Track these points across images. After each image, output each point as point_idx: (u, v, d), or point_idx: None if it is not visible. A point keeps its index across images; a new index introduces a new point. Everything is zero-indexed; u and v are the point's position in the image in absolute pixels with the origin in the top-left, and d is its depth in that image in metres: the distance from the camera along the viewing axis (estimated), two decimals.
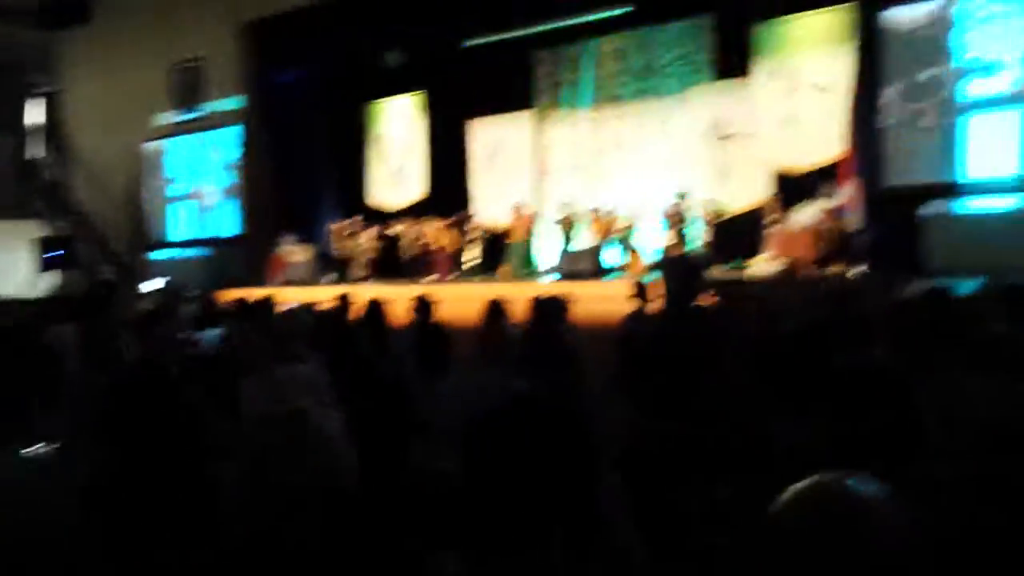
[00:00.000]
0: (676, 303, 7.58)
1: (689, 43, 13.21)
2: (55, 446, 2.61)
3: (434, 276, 13.47)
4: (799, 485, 1.25)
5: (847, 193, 10.46)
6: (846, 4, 11.22)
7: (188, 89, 16.07)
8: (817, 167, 11.61)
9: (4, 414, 2.37)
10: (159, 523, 1.83)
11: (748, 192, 12.30)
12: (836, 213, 10.40)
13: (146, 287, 12.83)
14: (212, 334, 2.84)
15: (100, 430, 1.81)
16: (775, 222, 10.98)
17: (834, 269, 10.06)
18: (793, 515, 1.22)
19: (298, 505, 1.61)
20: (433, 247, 13.85)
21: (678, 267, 8.30)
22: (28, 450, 2.38)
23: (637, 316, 6.48)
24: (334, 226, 14.63)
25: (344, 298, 7.09)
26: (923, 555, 1.20)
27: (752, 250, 11.33)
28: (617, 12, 12.53)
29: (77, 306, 5.86)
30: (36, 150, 18.31)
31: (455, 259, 13.70)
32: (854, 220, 10.23)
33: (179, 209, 16.38)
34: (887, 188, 9.68)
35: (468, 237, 13.76)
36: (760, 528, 1.26)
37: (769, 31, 12.06)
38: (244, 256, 15.12)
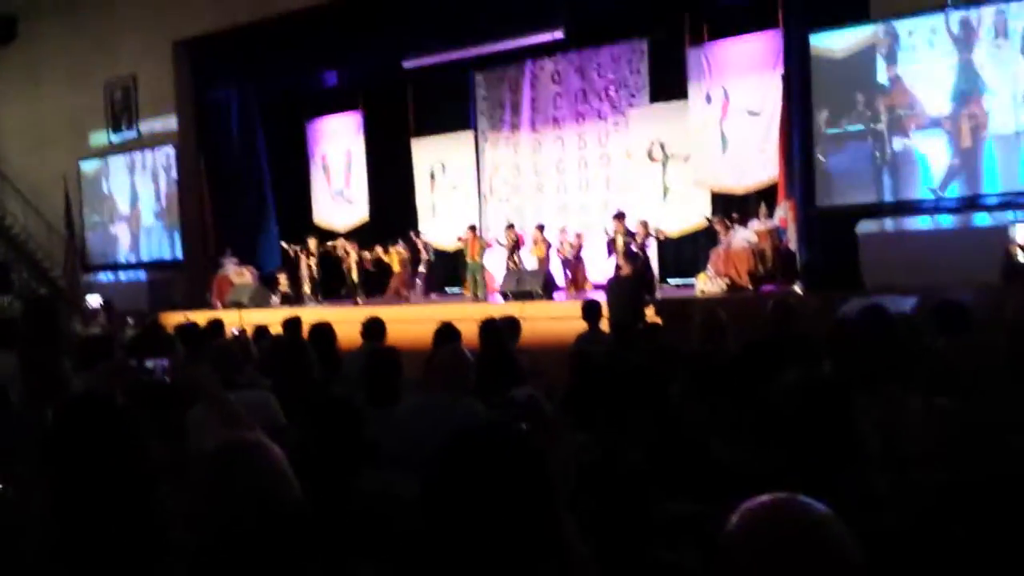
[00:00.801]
0: (620, 322, 7.69)
1: (625, 66, 13.47)
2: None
3: (387, 295, 13.42)
4: (751, 504, 1.28)
5: (782, 214, 10.73)
6: (774, 29, 11.54)
7: (121, 108, 15.75)
8: (753, 189, 11.91)
9: None
10: (109, 555, 1.80)
11: (687, 213, 12.54)
12: (773, 233, 10.67)
13: (87, 303, 12.51)
14: (158, 362, 2.81)
15: (47, 466, 1.79)
16: (715, 242, 11.22)
17: (773, 287, 10.33)
18: (747, 534, 1.25)
19: (244, 534, 1.62)
20: (385, 266, 13.80)
21: (620, 287, 8.42)
22: None
23: (587, 336, 6.55)
24: (284, 247, 14.43)
25: (291, 321, 7.01)
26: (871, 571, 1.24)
27: (693, 269, 11.55)
28: (552, 37, 12.72)
29: (15, 329, 5.69)
30: None
31: (404, 279, 13.66)
32: (790, 240, 10.49)
33: (115, 230, 16.01)
34: (821, 208, 9.95)
35: (416, 257, 13.74)
36: (716, 547, 1.29)
37: (703, 55, 12.35)
38: (185, 278, 14.85)
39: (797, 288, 10.01)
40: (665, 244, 12.16)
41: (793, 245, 10.46)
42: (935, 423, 2.71)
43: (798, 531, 1.21)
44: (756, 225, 10.90)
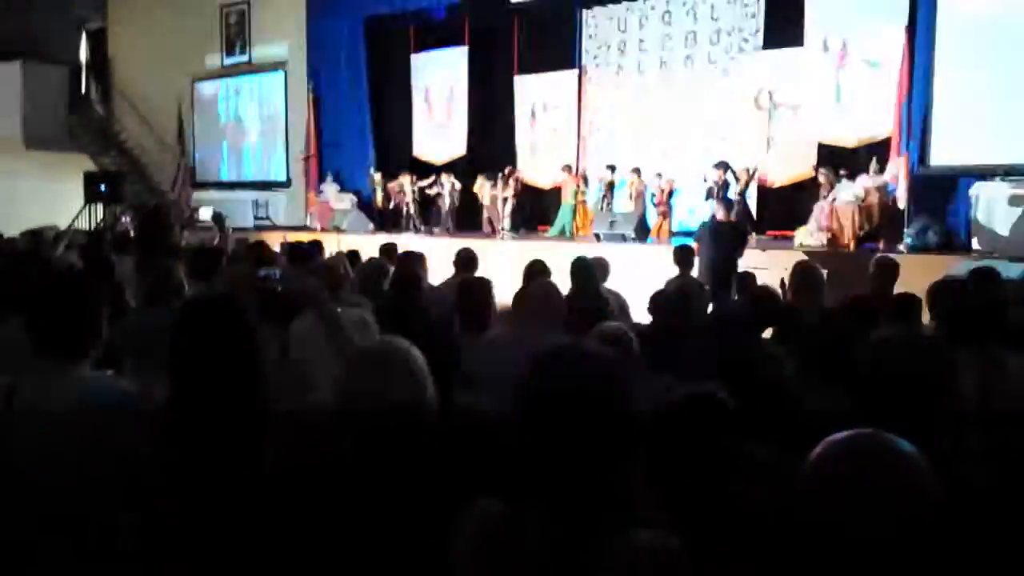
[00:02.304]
0: (715, 269, 7.59)
1: (739, 10, 13.03)
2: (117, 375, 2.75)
3: (482, 231, 13.57)
4: (835, 437, 1.30)
5: (893, 170, 10.33)
6: None
7: (235, 32, 16.13)
8: (864, 143, 11.47)
9: (77, 335, 2.49)
10: (224, 457, 1.92)
11: (794, 164, 12.19)
12: (881, 190, 10.28)
13: (198, 215, 13.04)
14: (271, 271, 2.94)
15: (174, 361, 1.90)
16: (821, 195, 10.88)
17: (877, 246, 10.01)
18: (831, 464, 1.27)
19: (386, 430, 1.70)
20: (479, 196, 13.91)
21: (719, 233, 8.27)
22: (98, 373, 2.51)
23: (677, 280, 6.51)
24: (381, 176, 14.66)
25: (388, 247, 7.18)
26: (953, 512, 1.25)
27: (797, 221, 11.26)
28: None
29: (131, 236, 6.02)
30: (86, 85, 18.56)
31: (500, 214, 13.75)
32: (900, 198, 10.11)
33: (224, 150, 16.56)
34: (935, 167, 9.55)
35: (513, 193, 13.79)
36: (798, 479, 1.32)
37: (822, 3, 11.83)
38: (289, 199, 15.30)
39: (903, 248, 9.68)
40: (767, 194, 11.87)
41: (903, 204, 10.07)
42: None
43: (880, 463, 1.23)
44: (865, 180, 10.50)
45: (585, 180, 13.45)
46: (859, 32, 11.59)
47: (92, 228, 14.05)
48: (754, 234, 11.59)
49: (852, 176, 10.79)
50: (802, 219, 11.10)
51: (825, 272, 5.20)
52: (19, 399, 2.35)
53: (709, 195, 11.34)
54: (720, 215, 8.55)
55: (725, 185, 11.34)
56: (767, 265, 9.00)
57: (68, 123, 17.92)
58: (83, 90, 18.53)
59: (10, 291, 4.04)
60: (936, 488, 1.23)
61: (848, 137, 11.69)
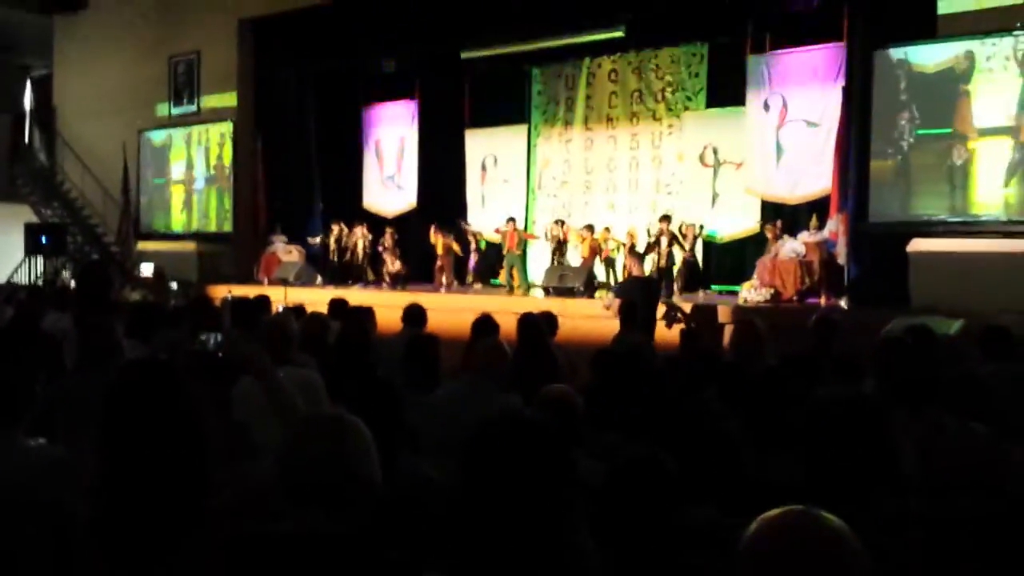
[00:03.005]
0: (634, 323, 7.79)
1: (683, 69, 13.39)
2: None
3: (431, 284, 13.54)
4: (769, 515, 1.31)
5: (833, 227, 10.61)
6: (838, 43, 11.40)
7: (183, 82, 16.06)
8: (805, 199, 11.79)
9: (8, 401, 2.42)
10: (159, 521, 1.86)
11: (739, 219, 12.46)
12: (821, 246, 10.55)
13: (139, 271, 12.83)
14: (212, 336, 2.89)
15: (109, 428, 1.86)
16: (763, 250, 11.13)
17: (819, 301, 10.23)
18: (763, 544, 1.28)
19: (335, 504, 1.67)
20: (434, 246, 13.91)
21: (639, 288, 8.55)
22: (32, 442, 2.43)
23: (621, 336, 6.56)
24: (332, 228, 14.59)
25: (336, 303, 7.12)
26: None
27: (741, 276, 11.47)
28: (612, 35, 12.72)
29: (69, 293, 5.89)
30: (29, 133, 18.27)
31: (449, 267, 13.75)
32: (840, 254, 10.37)
33: (170, 201, 16.36)
34: (873, 224, 9.83)
35: (465, 245, 13.82)
36: (734, 554, 1.32)
37: (764, 63, 12.24)
38: (234, 252, 15.12)
39: (843, 303, 9.91)
40: (712, 248, 12.11)
41: (842, 259, 10.33)
42: (972, 448, 2.69)
43: (812, 544, 1.25)
44: (805, 236, 10.78)
45: (521, 237, 13.46)
46: (798, 92, 11.98)
47: (31, 281, 13.72)
48: (703, 290, 11.84)
49: (793, 232, 11.07)
50: (746, 274, 11.32)
51: (767, 327, 5.28)
52: None
53: (648, 249, 11.58)
54: (634, 270, 8.78)
55: (671, 237, 11.56)
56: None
57: (10, 173, 17.57)
58: (26, 139, 18.22)
59: None
60: (865, 567, 1.25)
61: (790, 194, 12.02)
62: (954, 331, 6.91)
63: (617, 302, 8.34)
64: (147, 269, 12.90)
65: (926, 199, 9.48)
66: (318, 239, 14.64)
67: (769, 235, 11.26)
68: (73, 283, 11.55)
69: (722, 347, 7.35)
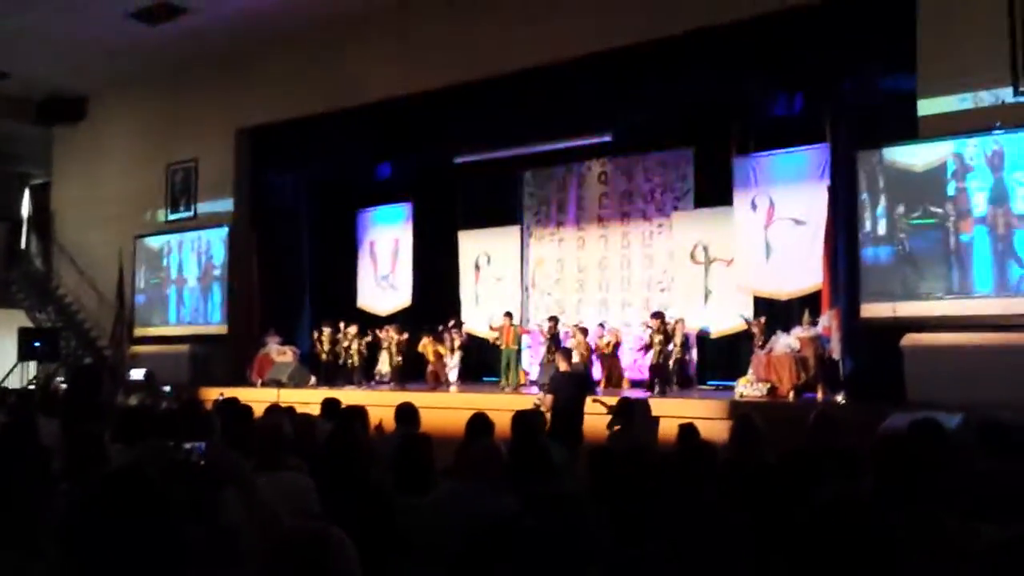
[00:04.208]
0: (562, 416, 7.87)
1: (672, 171, 13.69)
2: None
3: (426, 383, 13.46)
4: None
5: (826, 322, 10.65)
6: (822, 143, 11.69)
7: (180, 189, 16.31)
8: (796, 295, 11.88)
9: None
10: None
11: (732, 315, 12.51)
12: (815, 341, 10.56)
13: (130, 376, 12.76)
14: (196, 445, 2.86)
15: (79, 541, 1.82)
16: (756, 345, 11.13)
17: (815, 396, 10.18)
18: None
19: None
20: (424, 354, 13.87)
21: (568, 382, 8.72)
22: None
23: (619, 433, 6.49)
24: (325, 329, 14.60)
25: (329, 403, 7.05)
26: None
27: (737, 372, 11.44)
28: (600, 140, 13.10)
29: (61, 398, 5.84)
30: (26, 240, 18.44)
31: (444, 366, 13.70)
32: (834, 349, 10.37)
33: (165, 305, 16.39)
34: (865, 319, 9.85)
35: (456, 344, 13.80)
36: None
37: (749, 165, 12.52)
38: (228, 354, 15.07)
39: (840, 398, 9.86)
40: (706, 344, 12.12)
41: (837, 355, 10.33)
42: (974, 549, 2.63)
43: None
44: (798, 332, 10.80)
45: (517, 332, 13.47)
46: (784, 192, 12.22)
47: (23, 386, 13.61)
48: (699, 385, 11.82)
49: (787, 328, 11.09)
50: (741, 369, 11.30)
51: (765, 422, 5.23)
52: None
53: (645, 348, 11.64)
54: (562, 365, 9.13)
55: (665, 335, 11.60)
56: (710, 415, 9.07)
57: (5, 278, 17.66)
58: (23, 245, 18.38)
59: None
60: None
61: (780, 290, 12.11)
62: (952, 426, 6.84)
63: (548, 398, 8.49)
64: (138, 373, 12.83)
65: (918, 292, 9.49)
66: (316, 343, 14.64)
67: (755, 331, 11.28)
68: (63, 389, 11.47)
69: (656, 443, 7.37)
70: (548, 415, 7.84)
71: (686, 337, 12.11)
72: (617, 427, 7.46)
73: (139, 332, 16.28)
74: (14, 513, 2.48)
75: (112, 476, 1.93)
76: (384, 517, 3.51)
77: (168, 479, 2.47)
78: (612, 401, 8.02)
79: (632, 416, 8.37)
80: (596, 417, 8.32)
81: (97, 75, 16.36)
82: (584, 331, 12.89)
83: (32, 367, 15.69)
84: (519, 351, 13.27)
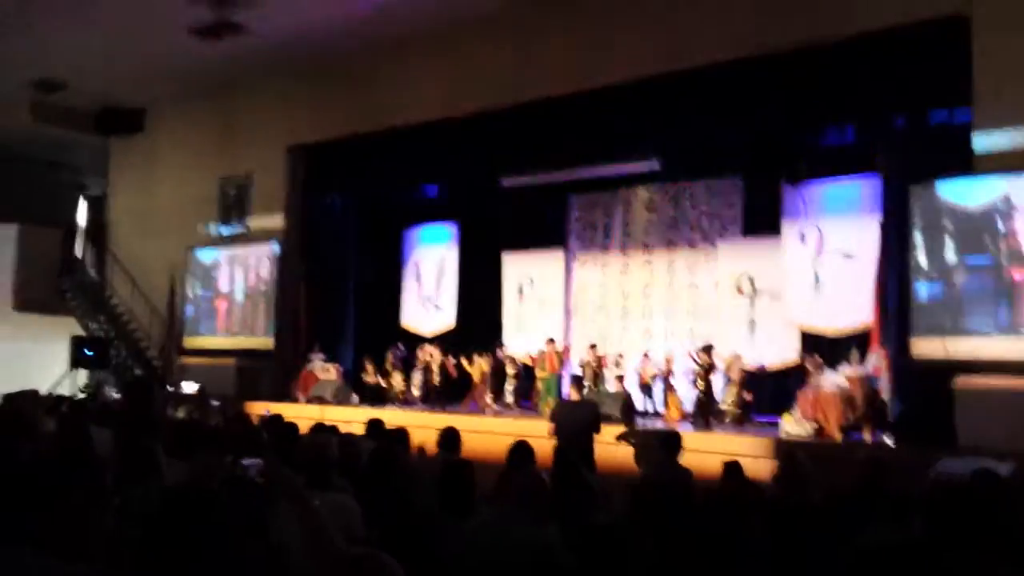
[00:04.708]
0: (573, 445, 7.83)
1: (720, 199, 13.59)
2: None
3: (464, 403, 13.49)
4: None
5: (874, 361, 10.46)
6: (873, 174, 11.55)
7: (233, 203, 16.60)
8: (845, 332, 11.69)
9: (53, 518, 2.41)
10: None
11: (777, 349, 12.35)
12: (864, 380, 10.35)
13: (182, 389, 12.99)
14: (253, 462, 2.91)
15: (148, 553, 1.86)
16: (810, 382, 10.92)
17: (861, 436, 9.97)
18: None
19: None
20: (467, 374, 13.93)
21: (573, 412, 8.69)
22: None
23: (663, 467, 6.43)
24: (366, 352, 14.70)
25: (373, 424, 7.10)
26: None
27: (781, 407, 11.27)
28: (648, 167, 13.10)
29: (115, 409, 5.97)
30: (81, 248, 18.87)
31: (483, 390, 13.73)
32: (883, 389, 10.17)
33: (213, 317, 16.65)
34: (915, 358, 9.64)
35: (499, 368, 13.83)
36: None
37: (799, 195, 12.39)
38: (273, 369, 15.25)
39: (887, 440, 9.65)
40: (750, 378, 11.95)
41: (886, 395, 10.12)
42: None
43: None
44: (847, 370, 10.59)
45: (561, 359, 13.46)
46: (834, 224, 12.07)
47: (74, 394, 13.90)
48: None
49: (834, 365, 10.90)
50: (785, 405, 11.10)
51: (811, 461, 5.16)
52: None
53: (692, 378, 11.55)
54: (573, 396, 9.17)
55: (711, 367, 11.52)
56: (755, 452, 8.96)
57: (59, 286, 18.09)
58: (77, 253, 18.82)
59: None
60: None
61: (829, 326, 11.93)
62: (1003, 474, 6.68)
63: (551, 427, 8.45)
64: (189, 387, 13.05)
65: (972, 331, 9.26)
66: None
67: (811, 367, 11.06)
68: (116, 397, 11.67)
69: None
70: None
71: (744, 373, 11.86)
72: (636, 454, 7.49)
73: (187, 343, 16.56)
74: (69, 521, 2.54)
75: (174, 492, 1.97)
76: (427, 540, 3.53)
77: (225, 495, 2.51)
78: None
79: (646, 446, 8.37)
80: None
81: (155, 88, 16.77)
82: (621, 356, 12.85)
83: (83, 375, 16.00)
84: (559, 377, 13.24)
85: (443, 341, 15.34)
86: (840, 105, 10.89)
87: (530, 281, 15.47)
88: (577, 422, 8.43)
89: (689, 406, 12.14)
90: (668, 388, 12.67)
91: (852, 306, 11.62)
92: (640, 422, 11.40)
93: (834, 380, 10.48)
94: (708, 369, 11.55)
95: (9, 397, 8.90)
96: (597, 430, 8.43)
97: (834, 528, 3.86)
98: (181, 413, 9.84)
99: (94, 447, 4.27)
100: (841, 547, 3.48)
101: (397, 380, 14.35)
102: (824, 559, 3.43)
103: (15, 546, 2.29)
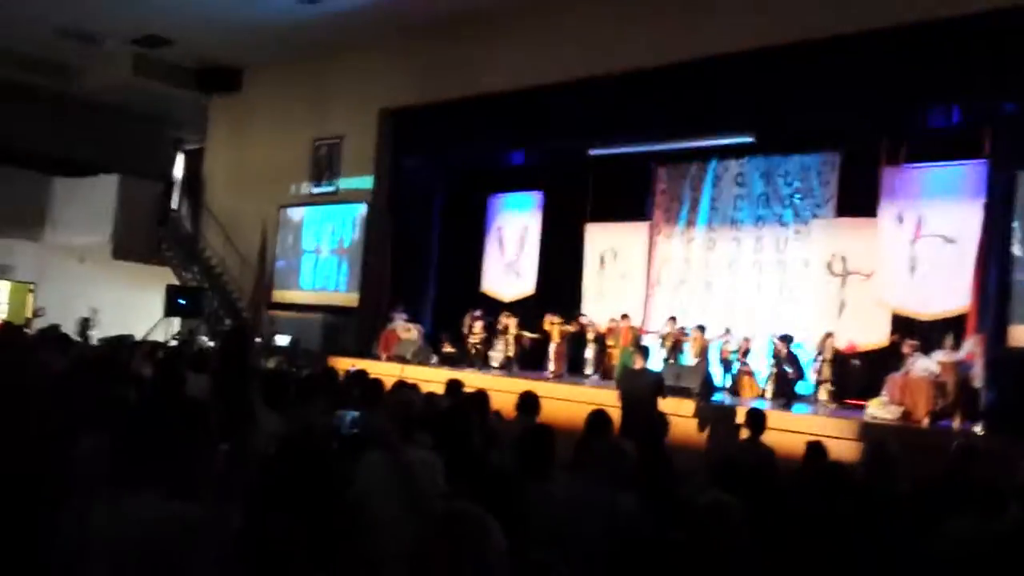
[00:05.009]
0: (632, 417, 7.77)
1: (814, 177, 13.22)
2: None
3: (543, 372, 13.53)
4: None
5: (969, 347, 10.11)
6: (979, 159, 11.07)
7: (324, 164, 16.94)
8: (939, 316, 11.31)
9: (157, 464, 2.52)
10: None
11: (867, 332, 12.03)
12: (957, 367, 10.03)
13: (276, 341, 13.40)
14: (350, 413, 2.99)
15: (261, 497, 1.93)
16: (894, 366, 10.64)
17: (951, 424, 9.69)
18: None
19: None
20: (544, 340, 13.98)
21: (634, 381, 8.82)
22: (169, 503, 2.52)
23: (745, 445, 6.37)
24: (447, 310, 14.82)
25: (452, 384, 7.22)
26: None
27: (868, 391, 11.01)
28: (740, 140, 12.80)
29: (212, 357, 6.21)
30: (178, 202, 19.53)
31: (562, 355, 13.76)
32: (976, 377, 9.84)
33: (301, 274, 17.10)
34: (1012, 347, 9.30)
35: (578, 336, 13.83)
36: None
37: (898, 176, 11.97)
38: (356, 326, 15.60)
39: (978, 428, 9.36)
40: (836, 360, 11.70)
41: (978, 383, 9.79)
42: None
43: None
44: (940, 356, 10.26)
45: (636, 334, 13.40)
46: (935, 207, 11.64)
47: (167, 340, 14.47)
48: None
49: (925, 350, 10.57)
50: (873, 388, 10.84)
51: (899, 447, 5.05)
52: (94, 524, 2.39)
53: (776, 360, 11.42)
54: (637, 363, 9.22)
55: (790, 355, 11.36)
56: (838, 434, 8.79)
57: (156, 236, 18.78)
58: (174, 206, 19.48)
59: (86, 401, 4.15)
60: None
61: (923, 310, 11.56)
62: None
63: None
64: (283, 339, 13.44)
65: None
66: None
67: (906, 351, 10.75)
68: (211, 345, 12.11)
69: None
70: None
71: (834, 353, 11.63)
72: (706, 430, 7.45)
73: (276, 297, 17.05)
74: (181, 466, 2.66)
75: (288, 439, 2.05)
76: (505, 501, 3.58)
77: (325, 444, 2.60)
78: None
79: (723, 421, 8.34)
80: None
81: (254, 50, 17.12)
82: (702, 328, 12.71)
83: (176, 323, 16.64)
84: (633, 351, 13.17)
85: (522, 308, 15.40)
86: (947, 86, 10.43)
87: (612, 253, 15.37)
88: (640, 390, 8.47)
89: (767, 384, 11.98)
90: (744, 366, 12.51)
91: (948, 291, 11.23)
92: (718, 398, 11.28)
93: (925, 365, 10.18)
94: (788, 351, 11.39)
95: (107, 341, 9.34)
96: (662, 396, 8.54)
97: (923, 516, 3.78)
98: (272, 364, 10.15)
99: (192, 394, 4.46)
100: (931, 535, 3.41)
101: (476, 344, 14.48)
102: (913, 546, 3.36)
103: (134, 489, 2.42)
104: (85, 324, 15.91)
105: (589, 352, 14.06)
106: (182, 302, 16.02)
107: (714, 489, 3.89)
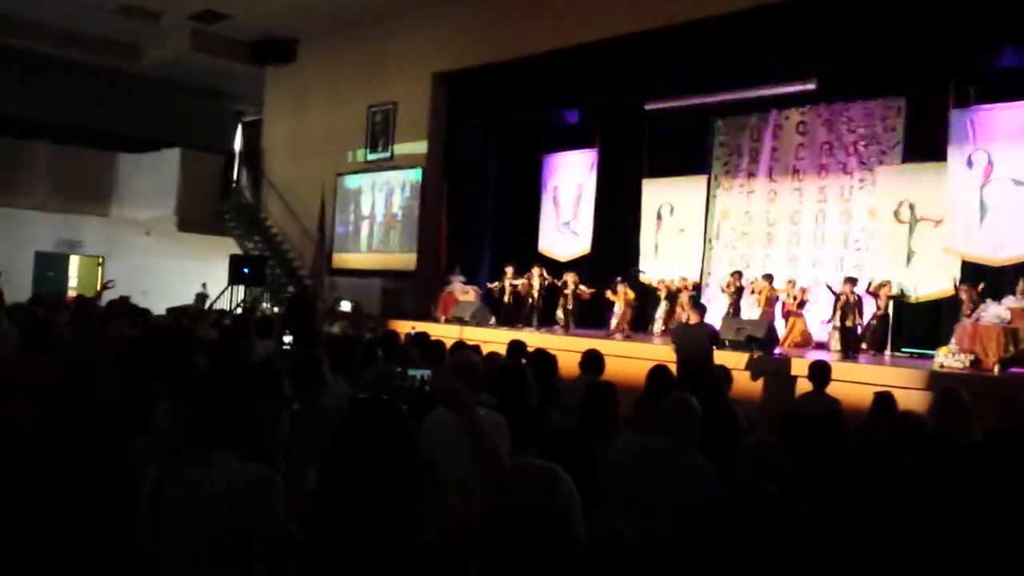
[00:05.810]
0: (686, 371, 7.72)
1: (878, 123, 12.84)
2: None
3: (612, 329, 13.47)
4: None
5: None
6: None
7: (380, 130, 17.03)
8: (1011, 262, 10.97)
9: (232, 428, 2.61)
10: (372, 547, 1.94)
11: (935, 280, 11.74)
12: None
13: (338, 306, 13.64)
14: (421, 371, 3.04)
15: (336, 457, 1.97)
16: (963, 313, 10.39)
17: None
18: None
19: (536, 555, 1.66)
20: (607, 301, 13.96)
21: (687, 335, 8.70)
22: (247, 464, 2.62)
23: (809, 397, 6.30)
24: (508, 270, 14.79)
25: (514, 344, 7.25)
26: None
27: (936, 340, 10.77)
28: (801, 87, 12.44)
29: (278, 323, 6.36)
30: (238, 173, 19.87)
31: (627, 318, 13.71)
32: None
33: (360, 240, 17.30)
34: None
35: (642, 294, 13.81)
36: None
37: (968, 118, 11.55)
38: (415, 289, 15.77)
39: None
40: (904, 309, 11.47)
41: None
42: None
43: None
44: (1010, 302, 9.97)
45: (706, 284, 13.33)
46: (1005, 149, 11.22)
47: (231, 308, 14.81)
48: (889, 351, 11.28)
49: (997, 296, 10.28)
50: (942, 337, 10.61)
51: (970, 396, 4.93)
52: (170, 485, 2.49)
53: (835, 310, 11.25)
54: (692, 318, 9.09)
55: (858, 300, 11.16)
56: (905, 383, 8.63)
57: (219, 208, 19.16)
58: (235, 177, 19.82)
59: (156, 366, 4.31)
60: None
61: (994, 256, 11.21)
62: None
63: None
64: (346, 305, 13.66)
65: None
66: (496, 284, 14.93)
67: (964, 297, 10.51)
68: (276, 311, 12.35)
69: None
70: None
71: (890, 300, 11.53)
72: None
73: (336, 262, 17.31)
74: (253, 427, 2.75)
75: (365, 402, 2.09)
76: (571, 458, 3.59)
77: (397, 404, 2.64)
78: None
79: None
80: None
81: (308, 19, 17.23)
82: (769, 278, 12.54)
83: (240, 291, 17.03)
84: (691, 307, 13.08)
85: (579, 266, 15.35)
86: (1017, 22, 9.98)
87: (669, 208, 15.20)
88: (693, 343, 8.42)
89: (823, 335, 11.82)
90: (798, 316, 12.36)
91: (1021, 235, 10.86)
92: (778, 350, 11.16)
93: (996, 311, 9.90)
94: (852, 298, 11.20)
95: (174, 310, 9.61)
96: (718, 346, 8.53)
97: (996, 468, 3.70)
98: (336, 329, 10.33)
99: (263, 358, 4.58)
100: (1005, 488, 3.35)
101: (535, 303, 14.49)
102: (987, 499, 3.30)
103: (210, 450, 2.52)
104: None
105: (659, 311, 13.98)
106: (245, 271, 16.36)
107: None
